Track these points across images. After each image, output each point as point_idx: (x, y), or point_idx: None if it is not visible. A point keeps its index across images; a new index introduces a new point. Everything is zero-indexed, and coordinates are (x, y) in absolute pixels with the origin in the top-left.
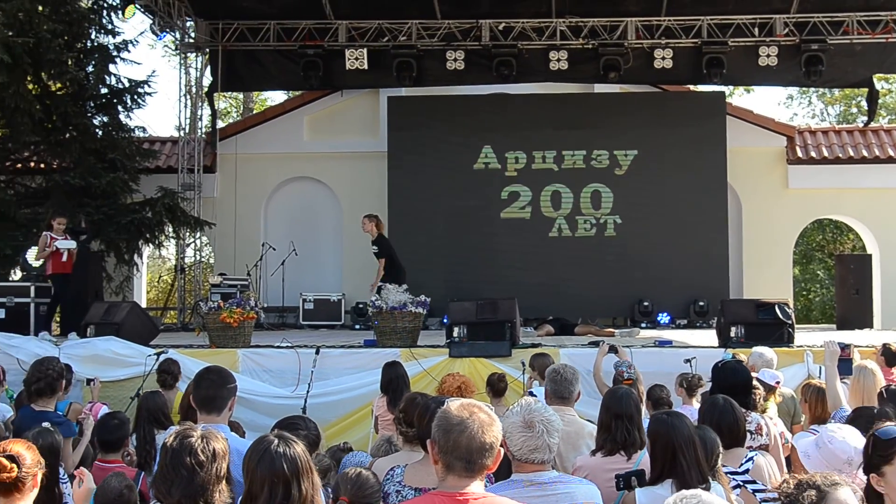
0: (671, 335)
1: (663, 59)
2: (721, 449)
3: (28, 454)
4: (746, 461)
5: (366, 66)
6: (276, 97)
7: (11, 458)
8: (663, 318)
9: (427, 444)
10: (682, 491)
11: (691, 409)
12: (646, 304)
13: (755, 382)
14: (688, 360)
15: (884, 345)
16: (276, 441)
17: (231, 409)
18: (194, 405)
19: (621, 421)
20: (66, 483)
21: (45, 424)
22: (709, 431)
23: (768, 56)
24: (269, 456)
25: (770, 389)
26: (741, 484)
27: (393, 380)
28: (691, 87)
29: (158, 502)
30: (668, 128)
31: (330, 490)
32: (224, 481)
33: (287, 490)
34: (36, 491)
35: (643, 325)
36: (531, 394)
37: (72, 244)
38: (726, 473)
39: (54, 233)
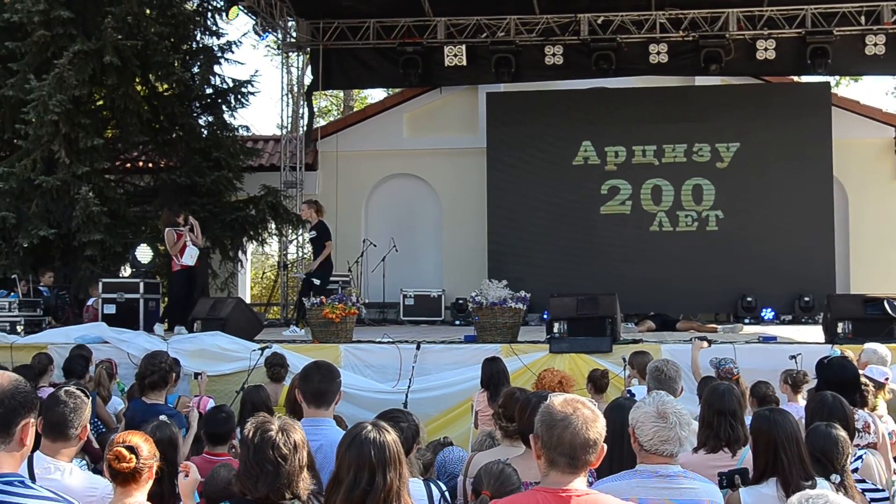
0: (775, 331)
1: (766, 49)
2: (851, 449)
3: (146, 446)
4: (856, 459)
5: (464, 63)
6: (376, 95)
7: (131, 449)
8: (767, 313)
9: (530, 438)
10: (807, 491)
11: (797, 407)
12: (749, 299)
13: (864, 379)
14: (793, 357)
15: None
16: (369, 427)
17: (337, 402)
18: (302, 399)
19: (724, 417)
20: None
21: (162, 417)
22: (840, 430)
23: (875, 45)
24: (358, 441)
25: (879, 386)
26: None
27: (493, 375)
28: (795, 79)
29: (244, 496)
30: (772, 120)
31: (439, 484)
32: (306, 468)
33: (371, 477)
34: (151, 482)
35: (746, 320)
36: (630, 393)
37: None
38: None
39: (179, 228)
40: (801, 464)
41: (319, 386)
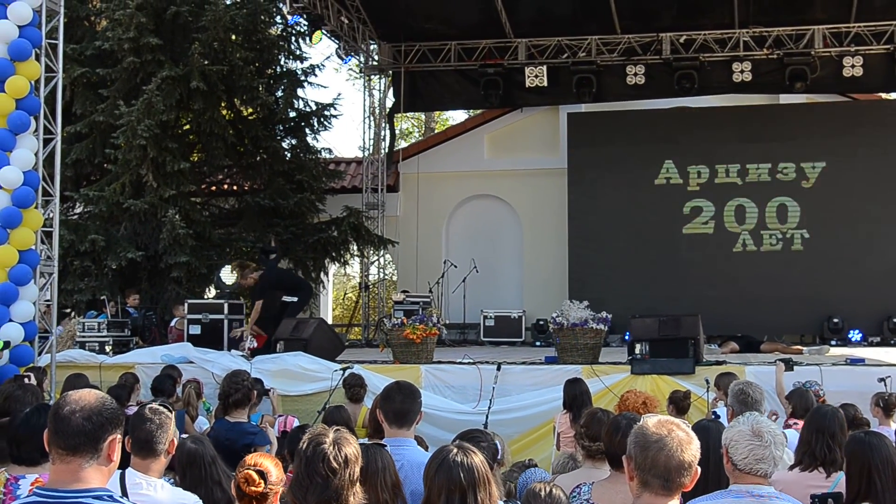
0: (863, 353)
1: (853, 66)
2: None
3: (275, 470)
4: None
5: (545, 84)
6: (457, 116)
7: (261, 473)
8: (855, 335)
9: (623, 460)
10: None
11: (889, 430)
12: (836, 320)
13: None
14: (882, 379)
15: None
16: (455, 451)
17: (418, 422)
18: (383, 419)
19: (822, 436)
20: None
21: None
22: None
23: None
24: (447, 465)
25: None
26: None
27: (576, 396)
28: (883, 96)
29: None
30: (859, 138)
31: None
32: (358, 484)
33: (463, 499)
34: None
35: (833, 342)
36: (715, 414)
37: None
38: None
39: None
40: (895, 488)
41: (401, 406)
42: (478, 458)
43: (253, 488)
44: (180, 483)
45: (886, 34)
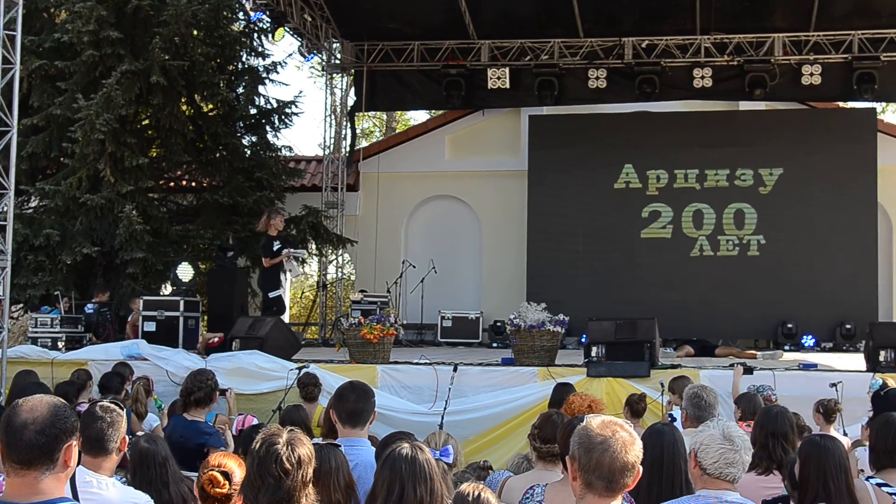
0: (816, 358)
1: (811, 75)
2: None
3: (239, 471)
4: None
5: (507, 85)
6: (418, 116)
7: (225, 475)
8: (808, 340)
9: (566, 460)
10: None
11: None
12: (790, 325)
13: None
14: (833, 385)
15: None
16: (403, 445)
17: (371, 422)
18: (336, 419)
19: (777, 440)
20: None
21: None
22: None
23: None
24: (391, 458)
25: None
26: None
27: (562, 402)
28: (840, 104)
29: None
30: (816, 146)
31: None
32: (311, 485)
33: (402, 491)
34: None
35: (786, 347)
36: (671, 416)
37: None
38: (891, 494)
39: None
40: (847, 492)
41: (354, 406)
42: (423, 455)
43: (217, 489)
44: (131, 481)
45: (845, 44)
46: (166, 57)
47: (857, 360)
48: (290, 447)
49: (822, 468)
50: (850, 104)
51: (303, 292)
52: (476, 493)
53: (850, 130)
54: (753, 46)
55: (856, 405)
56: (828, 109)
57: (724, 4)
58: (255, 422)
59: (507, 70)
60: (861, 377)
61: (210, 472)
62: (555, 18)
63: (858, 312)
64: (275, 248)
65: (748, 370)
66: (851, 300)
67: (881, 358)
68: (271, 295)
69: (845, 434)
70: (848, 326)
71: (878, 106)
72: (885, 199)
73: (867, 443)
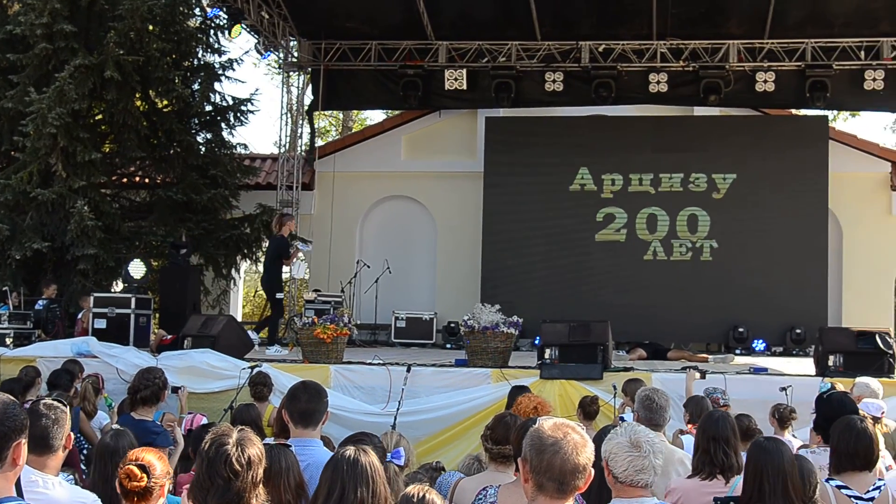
0: (766, 362)
1: (765, 82)
2: (817, 480)
3: (159, 464)
4: (874, 489)
5: (465, 87)
6: (375, 116)
7: (142, 468)
8: (758, 344)
9: (518, 462)
10: None
11: (784, 441)
12: (741, 330)
13: (862, 413)
14: (783, 389)
15: None
16: (348, 448)
17: (324, 423)
18: (288, 419)
19: (718, 444)
20: None
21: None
22: (806, 462)
23: (874, 80)
24: (334, 460)
25: (876, 420)
26: None
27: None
28: (793, 111)
29: None
30: (768, 152)
31: None
32: (261, 485)
33: (342, 493)
34: (163, 501)
35: (737, 351)
36: (622, 419)
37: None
38: (851, 497)
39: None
40: (783, 496)
41: (306, 406)
42: (366, 458)
43: (135, 483)
44: (91, 476)
45: (798, 51)
46: (121, 52)
47: (806, 365)
48: (239, 448)
49: (760, 470)
50: (803, 111)
51: (256, 291)
52: (421, 494)
53: (803, 137)
54: (709, 52)
55: (805, 409)
56: (781, 116)
57: (681, 10)
58: (205, 421)
59: (464, 71)
60: (810, 381)
61: (127, 467)
62: (512, 21)
63: (808, 317)
64: (291, 250)
65: (702, 374)
66: (802, 305)
67: (830, 363)
68: (278, 296)
69: (794, 437)
70: (798, 331)
71: (830, 114)
72: (835, 205)
73: (814, 446)
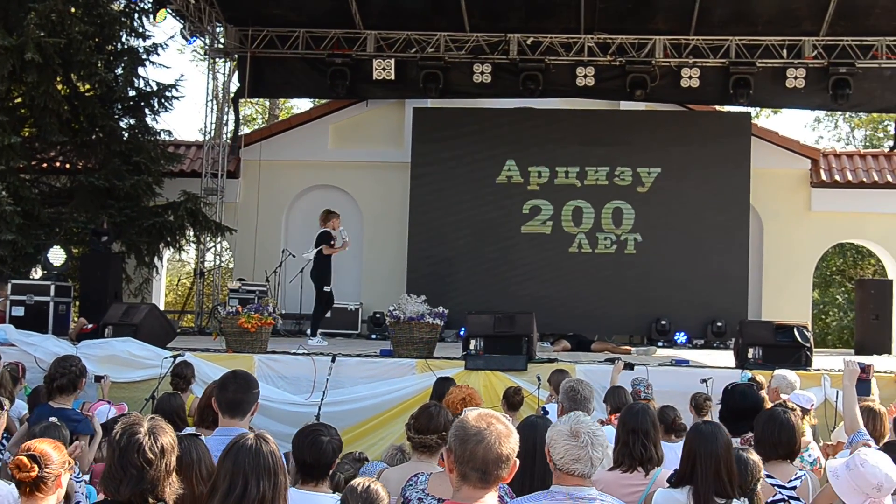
0: (688, 355)
1: (690, 78)
2: (762, 475)
3: (55, 454)
4: (796, 479)
5: (392, 77)
6: (302, 105)
7: (33, 458)
8: (680, 337)
9: (443, 452)
10: None
11: None
12: (663, 322)
13: (792, 404)
14: (704, 381)
15: None
16: (248, 437)
17: (253, 413)
18: (217, 408)
19: (637, 437)
20: (79, 482)
21: (52, 419)
22: (752, 454)
23: (796, 78)
24: (234, 450)
25: (805, 412)
26: (786, 499)
27: (443, 395)
28: (717, 108)
29: (107, 498)
30: (693, 147)
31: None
32: (174, 474)
33: (245, 485)
34: (61, 491)
35: (660, 343)
36: (544, 410)
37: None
38: (774, 486)
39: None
40: (715, 479)
41: (234, 396)
42: (268, 447)
43: (25, 474)
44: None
45: (723, 49)
46: (42, 34)
47: (727, 357)
48: (151, 436)
49: (693, 452)
50: (727, 108)
51: (179, 279)
52: (365, 485)
53: (725, 133)
54: (635, 48)
55: (719, 402)
56: (705, 112)
57: (608, 5)
58: (126, 411)
59: (392, 61)
60: (731, 373)
61: (17, 457)
62: (442, 12)
63: (729, 311)
64: (332, 243)
65: (629, 366)
66: (722, 299)
67: (750, 355)
68: (326, 289)
69: None
70: (719, 324)
71: (753, 110)
72: (756, 200)
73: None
